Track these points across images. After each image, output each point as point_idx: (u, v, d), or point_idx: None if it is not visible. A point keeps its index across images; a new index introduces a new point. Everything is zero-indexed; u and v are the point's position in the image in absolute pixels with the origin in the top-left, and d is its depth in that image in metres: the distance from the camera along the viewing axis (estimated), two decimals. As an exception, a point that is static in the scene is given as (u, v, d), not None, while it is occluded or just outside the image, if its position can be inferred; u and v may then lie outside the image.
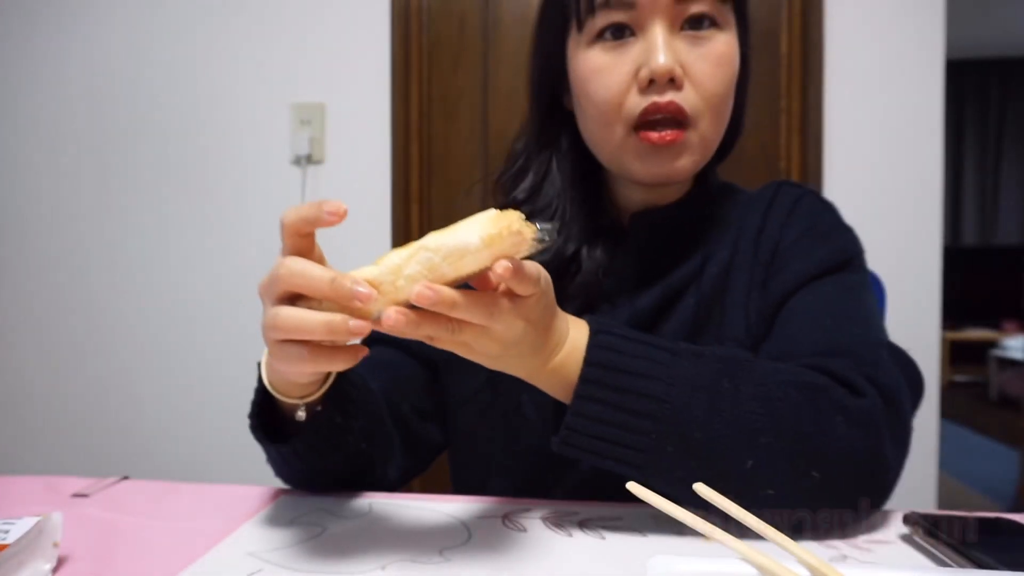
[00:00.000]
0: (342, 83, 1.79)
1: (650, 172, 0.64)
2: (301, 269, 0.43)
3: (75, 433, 1.93)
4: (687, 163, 0.64)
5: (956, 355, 5.20)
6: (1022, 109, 5.94)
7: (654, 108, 0.60)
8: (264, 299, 0.45)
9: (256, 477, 2.03)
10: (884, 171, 1.64)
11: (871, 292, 0.66)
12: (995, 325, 5.27)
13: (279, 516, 0.58)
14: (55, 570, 0.47)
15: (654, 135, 0.61)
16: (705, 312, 0.67)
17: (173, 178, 1.86)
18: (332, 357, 0.44)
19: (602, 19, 0.62)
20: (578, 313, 0.58)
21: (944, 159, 1.63)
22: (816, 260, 0.65)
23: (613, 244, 0.71)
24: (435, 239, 0.41)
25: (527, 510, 0.58)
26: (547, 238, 0.43)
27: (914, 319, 1.61)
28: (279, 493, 0.64)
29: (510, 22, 1.77)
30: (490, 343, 0.45)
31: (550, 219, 0.70)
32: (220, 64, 1.83)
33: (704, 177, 0.74)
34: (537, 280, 0.44)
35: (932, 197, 1.63)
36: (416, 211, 1.78)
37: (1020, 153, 5.98)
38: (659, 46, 0.59)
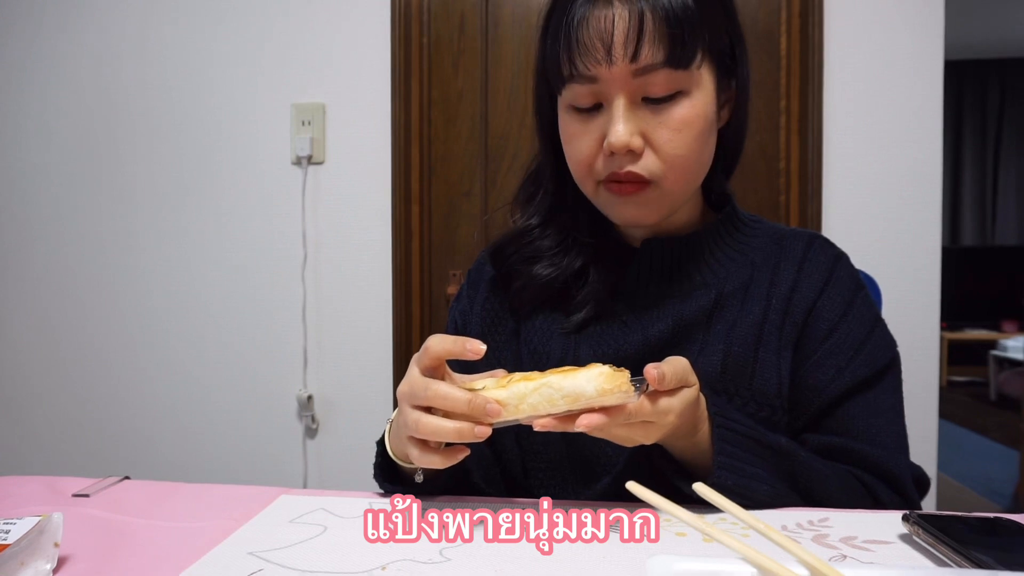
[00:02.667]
0: (342, 83, 1.79)
1: (621, 218, 0.71)
2: (444, 393, 0.52)
3: (76, 433, 1.93)
4: (651, 213, 0.69)
5: (955, 355, 5.19)
6: (1021, 110, 5.94)
7: (613, 177, 0.66)
8: (403, 402, 0.56)
9: (256, 477, 2.03)
10: (883, 171, 1.64)
11: (900, 383, 0.73)
12: (994, 325, 5.27)
13: (279, 516, 0.58)
14: (56, 570, 0.47)
15: (615, 187, 0.67)
16: (735, 366, 0.69)
17: (174, 179, 1.86)
18: (449, 455, 0.55)
19: (570, 92, 0.66)
20: (588, 321, 0.73)
21: (943, 159, 1.63)
22: (867, 363, 0.70)
23: (622, 263, 0.75)
24: (557, 380, 0.51)
25: (527, 510, 0.58)
26: (643, 390, 0.53)
27: (913, 319, 1.61)
28: (279, 493, 0.64)
29: (510, 22, 1.77)
30: (637, 438, 0.55)
31: (563, 239, 0.76)
32: (221, 65, 1.83)
33: (711, 199, 0.77)
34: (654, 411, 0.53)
35: (931, 197, 1.63)
36: (416, 211, 1.78)
37: (1019, 154, 5.98)
38: (618, 120, 0.63)
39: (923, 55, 1.61)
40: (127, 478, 0.69)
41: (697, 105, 0.65)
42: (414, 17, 1.76)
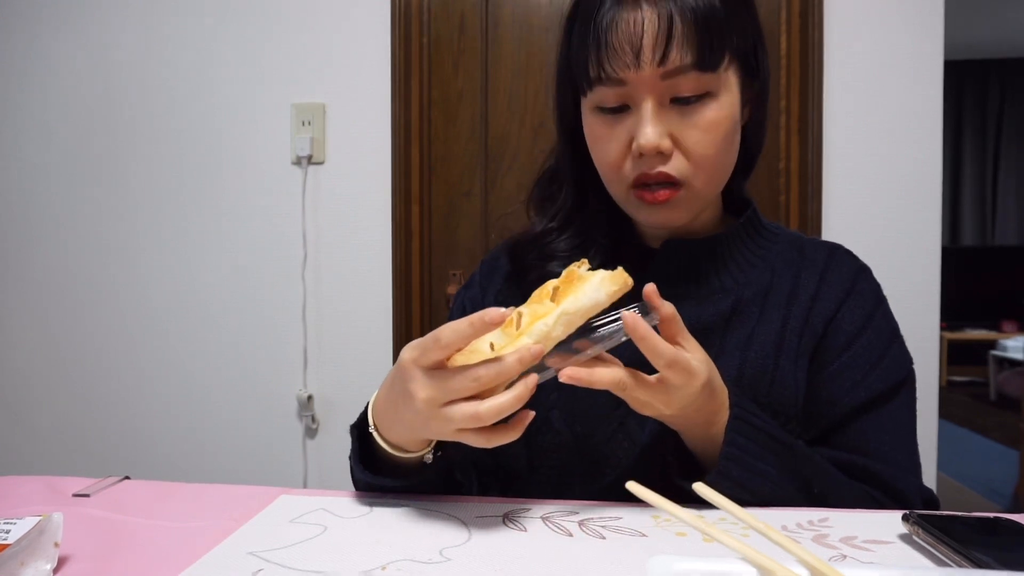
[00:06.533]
0: (342, 83, 1.79)
1: (648, 222, 0.71)
2: (496, 371, 0.49)
3: (76, 433, 1.93)
4: (682, 215, 0.69)
5: (955, 355, 5.20)
6: (1021, 110, 5.94)
7: (644, 178, 0.66)
8: (432, 408, 0.51)
9: (256, 477, 2.03)
10: (883, 171, 1.64)
11: (915, 400, 0.72)
12: (994, 325, 5.28)
13: (279, 516, 0.58)
14: (56, 570, 0.47)
15: (648, 195, 0.67)
16: (753, 374, 0.69)
17: (175, 179, 1.86)
18: (502, 434, 0.52)
19: (598, 94, 0.66)
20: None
21: (943, 159, 1.63)
22: (883, 378, 0.69)
23: (641, 265, 0.73)
24: (572, 303, 0.51)
25: (527, 510, 0.58)
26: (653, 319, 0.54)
27: (913, 319, 1.61)
28: (279, 493, 0.64)
29: (510, 22, 1.77)
30: (657, 404, 0.55)
31: (582, 242, 0.76)
32: (221, 65, 1.83)
33: (733, 203, 0.78)
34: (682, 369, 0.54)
35: (931, 197, 1.63)
36: (416, 211, 1.78)
37: (1019, 154, 5.99)
38: (647, 122, 0.63)
39: (923, 55, 1.61)
40: (127, 478, 0.68)
41: (724, 106, 0.65)
42: (414, 17, 1.76)
